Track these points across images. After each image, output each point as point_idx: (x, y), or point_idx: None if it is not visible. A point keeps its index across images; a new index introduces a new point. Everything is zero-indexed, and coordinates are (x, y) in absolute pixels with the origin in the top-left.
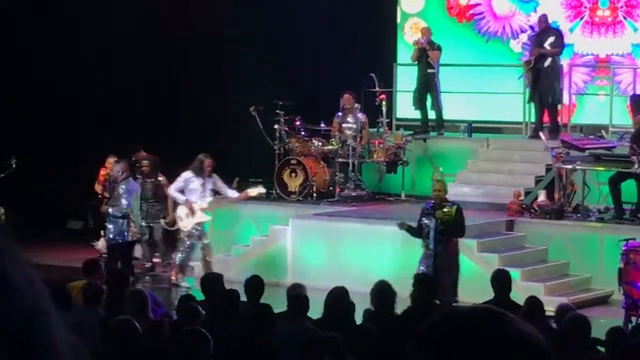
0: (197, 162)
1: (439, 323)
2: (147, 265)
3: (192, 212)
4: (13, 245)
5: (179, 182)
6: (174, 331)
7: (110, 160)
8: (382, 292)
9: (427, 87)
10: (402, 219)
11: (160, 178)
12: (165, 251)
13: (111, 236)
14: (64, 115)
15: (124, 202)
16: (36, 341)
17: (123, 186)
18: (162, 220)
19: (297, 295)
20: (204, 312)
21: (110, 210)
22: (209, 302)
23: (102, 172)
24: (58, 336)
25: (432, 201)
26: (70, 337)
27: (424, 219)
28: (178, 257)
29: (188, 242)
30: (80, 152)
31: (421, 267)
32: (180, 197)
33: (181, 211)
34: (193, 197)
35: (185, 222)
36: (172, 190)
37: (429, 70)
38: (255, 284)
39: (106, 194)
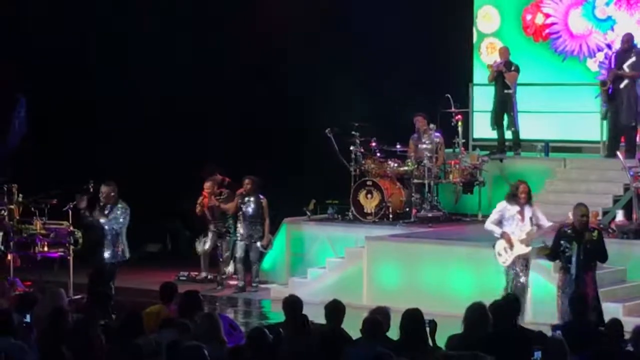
0: (511, 188)
1: None
2: (239, 285)
3: (510, 245)
4: None
5: (494, 213)
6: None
7: (207, 184)
8: (478, 314)
9: (504, 107)
10: (479, 240)
11: (261, 198)
12: (257, 271)
13: (107, 256)
14: (143, 138)
15: (121, 221)
16: None
17: (120, 206)
18: (258, 243)
19: (370, 320)
20: (271, 336)
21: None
22: (284, 325)
23: (205, 196)
24: None
25: (569, 225)
26: None
27: (563, 242)
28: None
29: (510, 281)
30: (158, 174)
31: (561, 292)
32: (496, 230)
33: (499, 246)
34: (510, 227)
35: (504, 257)
36: (488, 224)
37: (506, 91)
38: (334, 308)
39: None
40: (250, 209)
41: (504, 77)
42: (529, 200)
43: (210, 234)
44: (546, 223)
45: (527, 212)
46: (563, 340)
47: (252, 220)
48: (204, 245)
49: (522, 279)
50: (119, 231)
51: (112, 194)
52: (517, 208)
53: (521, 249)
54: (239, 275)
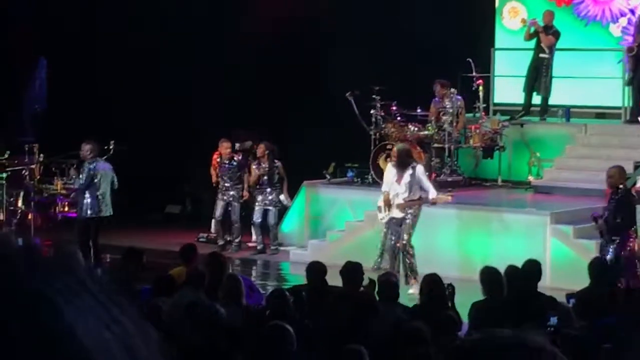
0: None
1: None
2: (258, 248)
3: (387, 205)
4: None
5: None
6: (262, 319)
7: (224, 144)
8: (493, 278)
9: (536, 71)
10: (499, 205)
11: (276, 163)
12: (276, 235)
13: (89, 212)
14: (166, 101)
15: (82, 178)
16: (45, 325)
17: (87, 165)
18: (274, 205)
19: (386, 282)
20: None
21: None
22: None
23: (215, 156)
24: (81, 325)
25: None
26: (114, 333)
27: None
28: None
29: (382, 237)
30: (178, 136)
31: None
32: (383, 187)
33: (380, 201)
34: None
35: (382, 215)
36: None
37: (541, 55)
38: (353, 270)
39: (222, 178)
40: (264, 175)
41: (540, 41)
42: (401, 164)
43: (219, 202)
44: (431, 192)
45: (405, 176)
46: (570, 309)
47: (267, 186)
48: (215, 213)
49: (392, 240)
50: (81, 188)
51: (89, 153)
52: (394, 171)
53: (395, 213)
54: (258, 238)
